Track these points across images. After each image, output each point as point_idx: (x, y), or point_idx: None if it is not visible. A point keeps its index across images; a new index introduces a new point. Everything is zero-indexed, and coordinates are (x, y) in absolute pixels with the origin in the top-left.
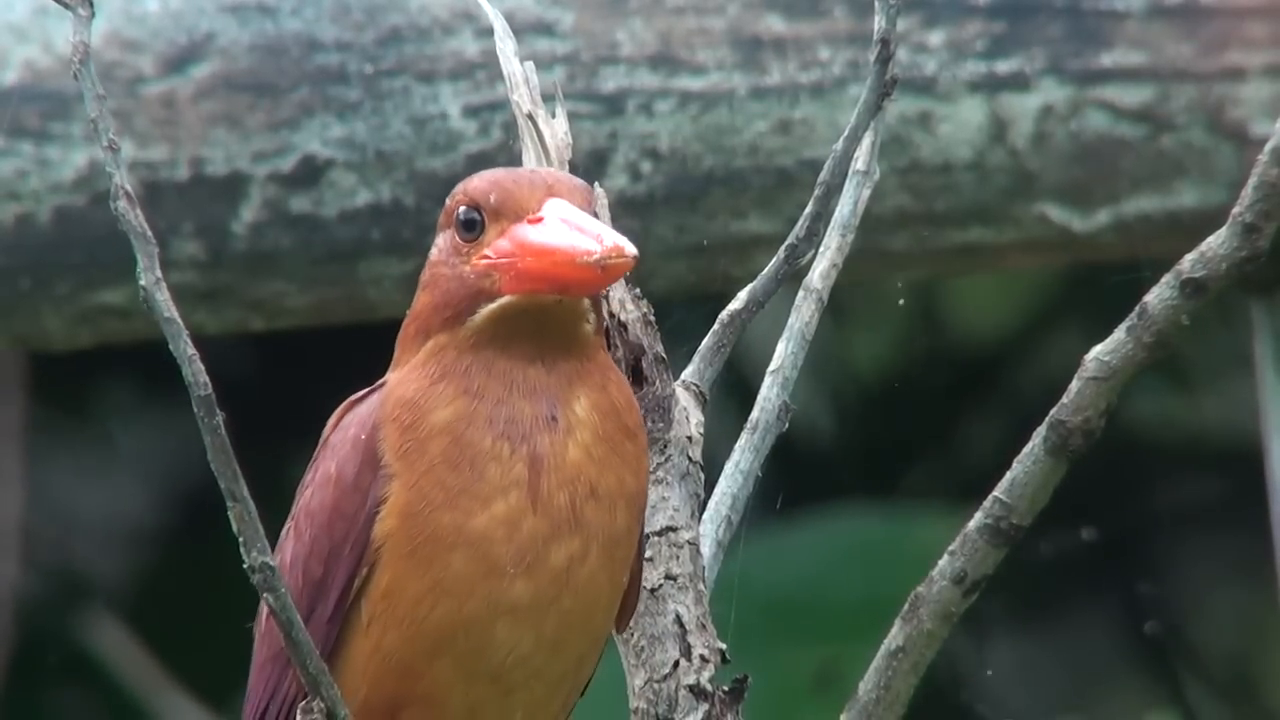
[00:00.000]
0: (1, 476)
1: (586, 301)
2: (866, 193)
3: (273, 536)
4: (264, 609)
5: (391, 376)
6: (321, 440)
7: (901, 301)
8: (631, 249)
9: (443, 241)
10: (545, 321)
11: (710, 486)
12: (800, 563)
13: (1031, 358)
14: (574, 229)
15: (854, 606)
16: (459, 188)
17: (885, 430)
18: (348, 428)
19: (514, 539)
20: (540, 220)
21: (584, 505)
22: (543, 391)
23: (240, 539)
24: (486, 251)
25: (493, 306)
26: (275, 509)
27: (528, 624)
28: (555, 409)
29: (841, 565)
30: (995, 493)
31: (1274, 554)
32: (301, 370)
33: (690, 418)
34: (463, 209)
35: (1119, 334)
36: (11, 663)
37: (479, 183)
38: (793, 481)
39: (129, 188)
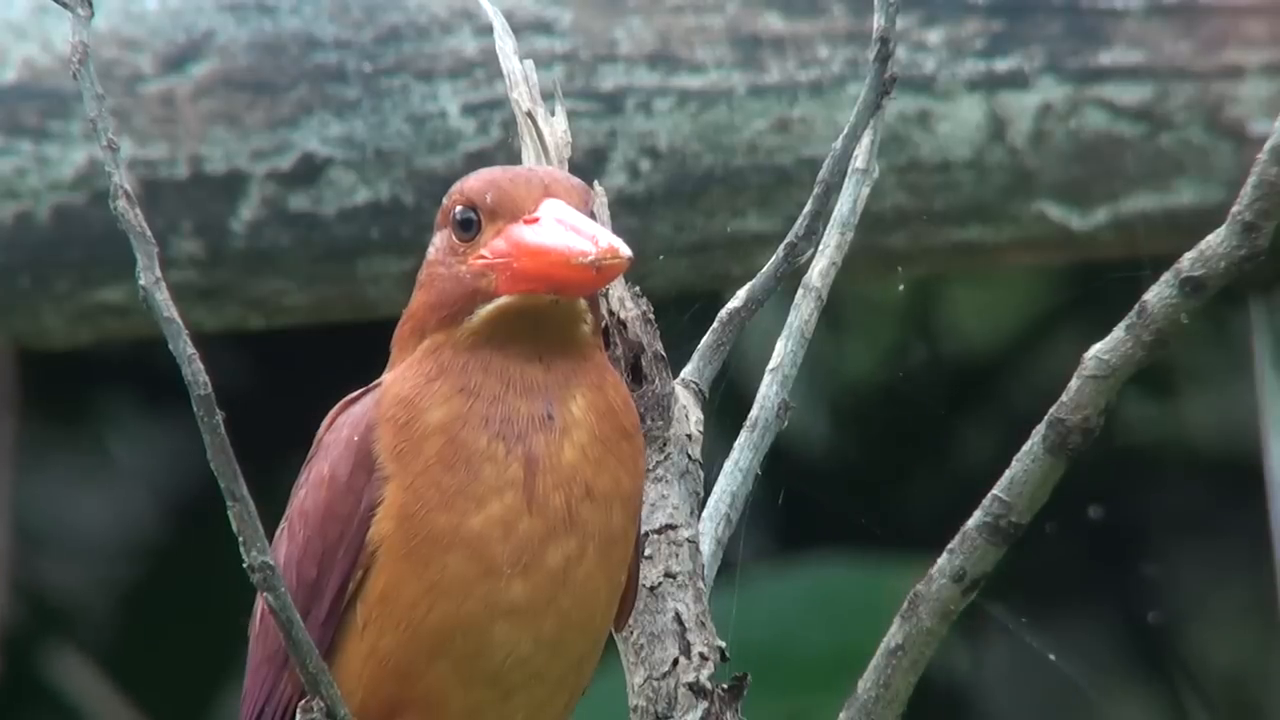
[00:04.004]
0: None
1: (584, 302)
2: (866, 191)
3: (271, 537)
4: (258, 610)
5: (387, 376)
6: (315, 441)
7: (881, 291)
8: (626, 250)
9: (439, 241)
10: (542, 322)
11: (710, 484)
12: (767, 612)
13: (1028, 364)
14: (569, 229)
15: (822, 658)
16: (456, 187)
17: (881, 437)
18: (341, 428)
19: (510, 539)
20: (536, 220)
21: (580, 505)
22: (539, 391)
23: (240, 538)
24: (483, 251)
25: (489, 307)
26: (274, 510)
27: (526, 625)
28: (552, 408)
29: (810, 615)
30: (994, 490)
31: (1274, 556)
32: (299, 371)
33: (689, 416)
34: (459, 209)
35: (1118, 332)
36: None
37: (475, 182)
38: (788, 489)
39: (128, 187)
